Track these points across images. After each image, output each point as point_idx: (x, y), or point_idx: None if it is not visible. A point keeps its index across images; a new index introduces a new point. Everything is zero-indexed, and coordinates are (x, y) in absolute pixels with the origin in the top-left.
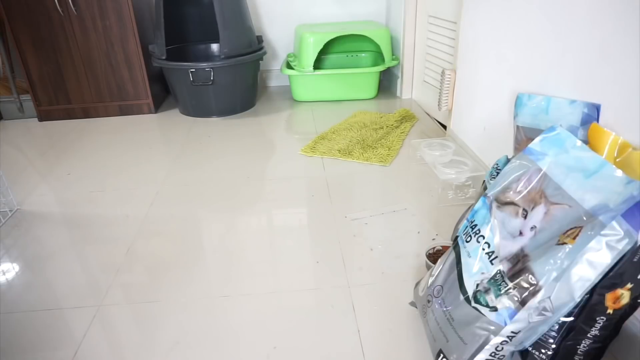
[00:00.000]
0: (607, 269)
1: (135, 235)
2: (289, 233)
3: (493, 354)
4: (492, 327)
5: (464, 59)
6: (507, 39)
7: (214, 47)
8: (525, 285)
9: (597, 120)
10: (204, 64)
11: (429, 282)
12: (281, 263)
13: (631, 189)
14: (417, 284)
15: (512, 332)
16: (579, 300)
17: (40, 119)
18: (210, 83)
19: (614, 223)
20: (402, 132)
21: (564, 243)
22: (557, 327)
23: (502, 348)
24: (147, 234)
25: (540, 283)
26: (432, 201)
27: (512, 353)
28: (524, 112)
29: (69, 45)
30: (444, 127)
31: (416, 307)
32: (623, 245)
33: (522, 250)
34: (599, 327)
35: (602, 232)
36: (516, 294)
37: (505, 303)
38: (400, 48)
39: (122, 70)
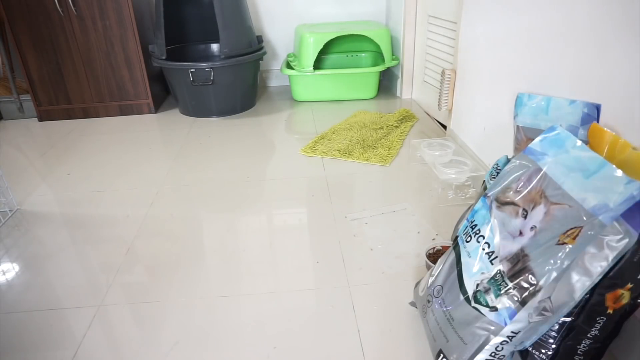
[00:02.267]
0: (607, 269)
1: (135, 235)
2: (289, 233)
3: (493, 354)
4: (492, 327)
5: (464, 59)
6: (507, 39)
7: (214, 47)
8: (525, 285)
9: (597, 120)
10: (204, 64)
11: (429, 282)
12: (281, 263)
13: (631, 189)
14: (417, 284)
15: (512, 332)
16: (579, 300)
17: (40, 119)
18: (210, 83)
19: (614, 223)
20: (402, 132)
21: (564, 243)
22: (557, 327)
23: (502, 348)
24: (147, 234)
25: (540, 283)
26: (432, 201)
27: (512, 353)
28: (524, 112)
29: (69, 45)
30: (444, 127)
31: (416, 307)
32: (623, 245)
33: (522, 250)
34: (599, 327)
35: (602, 232)
36: (516, 294)
37: (505, 303)
38: (400, 48)
39: (122, 70)
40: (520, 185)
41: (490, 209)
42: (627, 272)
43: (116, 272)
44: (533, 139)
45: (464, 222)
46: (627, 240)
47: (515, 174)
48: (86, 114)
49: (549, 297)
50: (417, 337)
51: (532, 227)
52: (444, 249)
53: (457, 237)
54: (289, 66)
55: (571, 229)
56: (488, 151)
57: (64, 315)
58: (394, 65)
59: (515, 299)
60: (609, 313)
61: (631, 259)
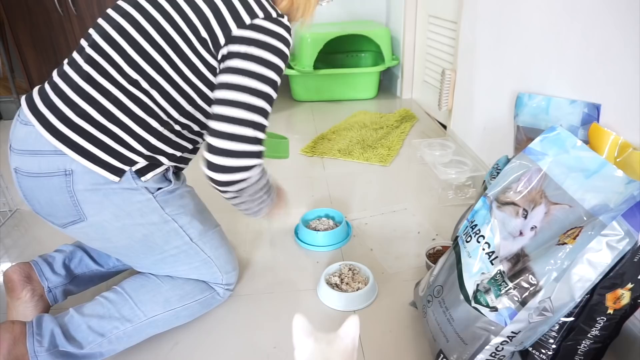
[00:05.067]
0: (607, 269)
1: None
2: (289, 233)
3: (493, 354)
4: (493, 327)
5: (464, 59)
6: (507, 39)
7: None
8: (526, 285)
9: (598, 120)
10: None
11: (429, 282)
12: (281, 263)
13: (631, 189)
14: (417, 284)
15: (513, 332)
16: (579, 300)
17: None
18: None
19: (614, 223)
20: (402, 132)
21: (564, 243)
22: (557, 327)
23: (502, 348)
24: None
25: (541, 283)
26: (432, 201)
27: (512, 353)
28: (524, 112)
29: (69, 45)
30: (444, 127)
31: (416, 307)
32: (623, 245)
33: (522, 250)
34: (599, 327)
35: (603, 232)
36: (516, 294)
37: (505, 303)
38: (400, 48)
39: None
40: (520, 185)
41: (490, 209)
42: (628, 272)
43: None
44: (533, 139)
45: (464, 222)
46: (627, 240)
47: (516, 174)
48: None
49: (549, 297)
50: (417, 337)
51: (532, 227)
52: (444, 249)
53: (457, 237)
54: (289, 66)
55: (571, 229)
56: (488, 151)
57: None
58: (394, 65)
59: (516, 299)
60: (609, 313)
61: (631, 259)
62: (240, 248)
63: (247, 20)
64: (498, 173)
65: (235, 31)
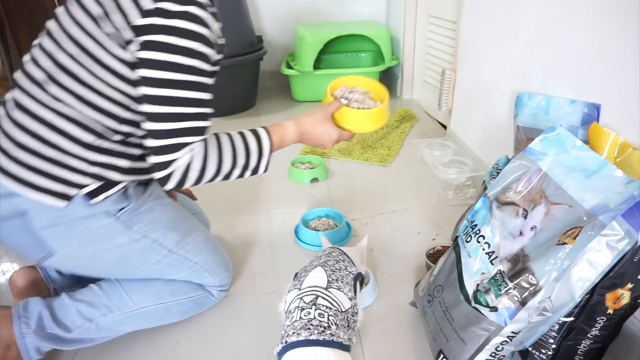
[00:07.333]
0: (607, 269)
1: None
2: (289, 233)
3: (493, 354)
4: (492, 327)
5: (464, 59)
6: (507, 38)
7: None
8: (526, 285)
9: (597, 120)
10: None
11: (429, 282)
12: (281, 263)
13: (631, 189)
14: (417, 284)
15: (512, 332)
16: (579, 300)
17: None
18: None
19: (614, 223)
20: (402, 132)
21: (564, 243)
22: (557, 327)
23: (502, 348)
24: None
25: (541, 283)
26: (432, 201)
27: (512, 353)
28: (524, 112)
29: None
30: (444, 127)
31: (416, 307)
32: (623, 245)
33: (522, 250)
34: (599, 327)
35: (603, 232)
36: (516, 294)
37: (505, 303)
38: (400, 48)
39: None
40: (520, 185)
41: (490, 209)
42: (627, 272)
43: None
44: (533, 139)
45: (464, 222)
46: (627, 240)
47: (516, 174)
48: None
49: (549, 297)
50: (417, 337)
51: (532, 227)
52: (444, 249)
53: (457, 237)
54: (289, 66)
55: (571, 229)
56: (488, 151)
57: None
58: (394, 65)
59: (516, 299)
60: (609, 313)
61: (631, 259)
62: (240, 248)
63: (149, 5)
64: (498, 173)
65: (139, 20)
